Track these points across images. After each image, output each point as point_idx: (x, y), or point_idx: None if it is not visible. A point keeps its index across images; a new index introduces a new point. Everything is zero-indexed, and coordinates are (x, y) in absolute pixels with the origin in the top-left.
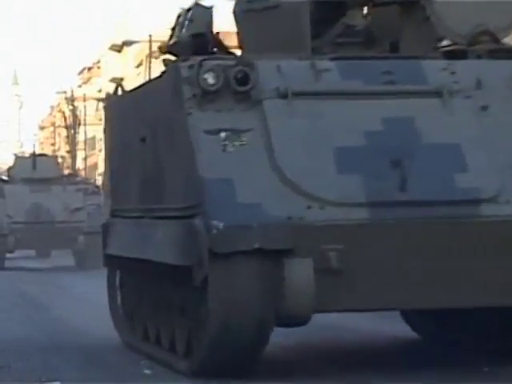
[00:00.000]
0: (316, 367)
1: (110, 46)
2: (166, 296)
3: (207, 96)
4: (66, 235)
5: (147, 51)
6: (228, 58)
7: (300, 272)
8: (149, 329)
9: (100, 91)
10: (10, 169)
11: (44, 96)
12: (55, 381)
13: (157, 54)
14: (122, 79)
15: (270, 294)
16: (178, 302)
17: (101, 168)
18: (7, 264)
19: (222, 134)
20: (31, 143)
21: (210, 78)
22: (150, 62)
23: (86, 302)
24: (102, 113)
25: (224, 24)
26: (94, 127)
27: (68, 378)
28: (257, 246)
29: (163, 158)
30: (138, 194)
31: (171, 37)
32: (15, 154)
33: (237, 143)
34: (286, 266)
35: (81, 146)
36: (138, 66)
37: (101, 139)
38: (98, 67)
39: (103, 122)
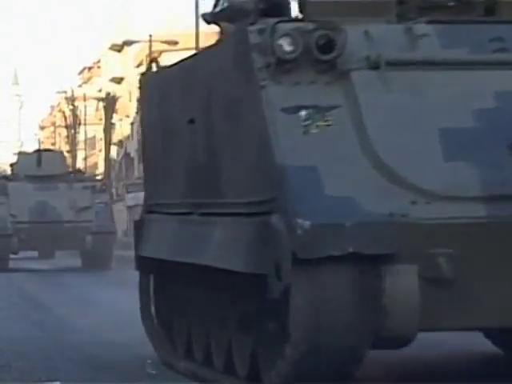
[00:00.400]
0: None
1: (110, 45)
2: (221, 307)
3: (283, 66)
4: (72, 235)
5: (147, 51)
6: (307, 22)
7: (403, 282)
8: (194, 345)
9: (100, 91)
10: (13, 165)
11: (44, 96)
12: (55, 381)
13: (157, 53)
14: (122, 79)
15: (366, 309)
16: (239, 315)
17: (101, 168)
18: (10, 265)
19: (303, 113)
20: (31, 143)
21: (286, 45)
22: (150, 62)
23: (88, 302)
24: (102, 113)
25: None
26: (94, 127)
27: (68, 377)
28: (351, 250)
29: (221, 142)
30: (184, 186)
31: (216, 5)
32: (19, 152)
33: (321, 123)
34: (387, 275)
35: (81, 145)
36: (138, 66)
37: (101, 139)
38: (98, 67)
39: (139, 101)
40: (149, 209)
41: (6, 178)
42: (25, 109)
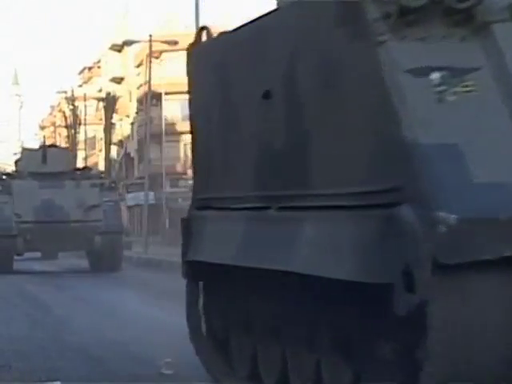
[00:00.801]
0: None
1: (110, 45)
2: (309, 324)
3: (407, 16)
4: (80, 236)
5: (147, 51)
6: None
7: None
8: (262, 368)
9: (100, 91)
10: (17, 162)
11: (44, 96)
12: (55, 380)
13: (157, 53)
14: (122, 79)
15: None
16: (335, 334)
17: (101, 168)
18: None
19: (435, 76)
20: (32, 143)
21: None
22: (151, 62)
23: (89, 303)
24: (102, 113)
25: None
26: (95, 127)
27: (69, 377)
28: (508, 253)
29: (312, 118)
30: (254, 176)
31: None
32: (23, 148)
33: (459, 89)
34: None
35: (81, 145)
36: (138, 66)
37: (101, 139)
38: (99, 67)
39: (188, 77)
40: (200, 204)
41: (9, 175)
42: (25, 109)
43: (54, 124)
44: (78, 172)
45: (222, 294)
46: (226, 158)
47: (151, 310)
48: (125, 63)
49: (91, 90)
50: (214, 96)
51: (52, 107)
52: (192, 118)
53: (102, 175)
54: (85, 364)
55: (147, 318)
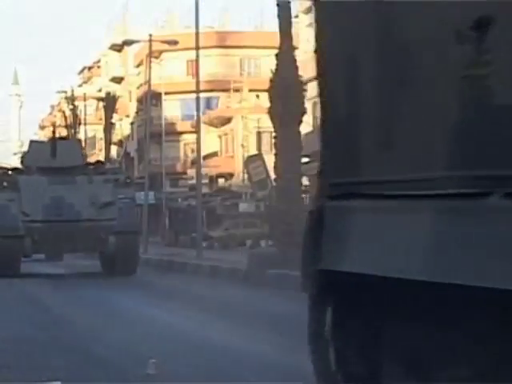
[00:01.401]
0: None
1: (110, 45)
2: None
3: None
4: (93, 236)
5: (147, 51)
6: None
7: None
8: None
9: (100, 91)
10: (24, 156)
11: (44, 95)
12: (56, 380)
13: (157, 53)
14: (122, 78)
15: None
16: None
17: None
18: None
19: None
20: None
21: None
22: (150, 62)
23: (90, 303)
24: (102, 112)
25: None
26: (94, 127)
27: (69, 377)
28: None
29: None
30: (456, 146)
31: None
32: (31, 141)
33: None
34: None
35: None
36: (138, 66)
37: (101, 138)
38: (98, 67)
39: (316, 25)
40: (339, 191)
41: (16, 170)
42: (25, 109)
43: (53, 124)
44: (91, 167)
45: (378, 322)
46: (390, 124)
47: (153, 310)
48: (125, 63)
49: (91, 89)
50: (366, 41)
51: (52, 107)
52: (324, 76)
53: (117, 170)
54: (85, 364)
55: (149, 318)
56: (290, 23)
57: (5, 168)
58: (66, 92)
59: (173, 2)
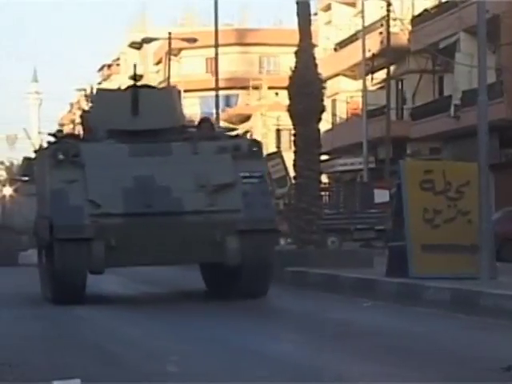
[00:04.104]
0: None
1: (129, 43)
2: None
3: None
4: (203, 238)
5: (166, 48)
6: None
7: None
8: None
9: (119, 88)
10: (84, 115)
11: (63, 93)
12: (75, 378)
13: (176, 51)
14: (141, 76)
15: None
16: None
17: None
18: None
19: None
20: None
21: None
22: (170, 60)
23: (101, 300)
24: None
25: None
26: None
27: (87, 375)
28: None
29: None
30: None
31: None
32: (97, 89)
33: None
34: None
35: None
36: (157, 64)
37: None
38: (118, 64)
39: None
40: None
41: (76, 137)
42: (44, 106)
43: (73, 121)
44: (193, 129)
45: None
46: None
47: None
48: (144, 61)
49: (110, 87)
50: None
51: (71, 105)
52: None
53: (234, 133)
54: (102, 361)
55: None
56: (309, 21)
57: (58, 135)
58: (85, 90)
59: (191, 0)
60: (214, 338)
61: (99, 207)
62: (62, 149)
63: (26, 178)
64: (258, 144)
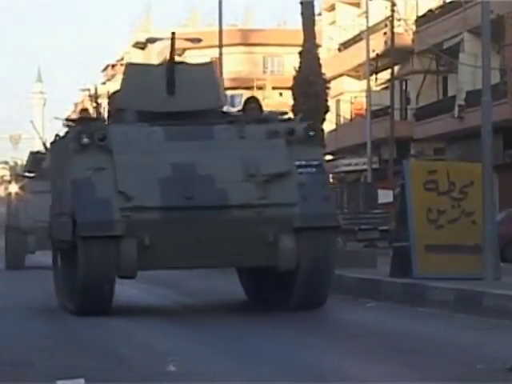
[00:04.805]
0: None
1: (133, 43)
2: None
3: None
4: (252, 237)
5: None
6: None
7: None
8: None
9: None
10: (112, 95)
11: (68, 93)
12: (79, 378)
13: (180, 51)
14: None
15: None
16: None
17: None
18: None
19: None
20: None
21: None
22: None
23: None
24: None
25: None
26: None
27: (92, 375)
28: None
29: None
30: None
31: None
32: (127, 64)
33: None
34: None
35: None
36: (161, 64)
37: None
38: (122, 64)
39: None
40: None
41: (99, 119)
42: (48, 106)
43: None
44: (239, 111)
45: None
46: None
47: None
48: (148, 61)
49: (114, 87)
50: None
51: (75, 104)
52: None
53: (286, 115)
54: (108, 361)
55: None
56: (313, 21)
57: (81, 116)
58: (89, 90)
59: (196, 0)
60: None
61: (131, 200)
62: (86, 131)
63: (33, 175)
64: (315, 128)
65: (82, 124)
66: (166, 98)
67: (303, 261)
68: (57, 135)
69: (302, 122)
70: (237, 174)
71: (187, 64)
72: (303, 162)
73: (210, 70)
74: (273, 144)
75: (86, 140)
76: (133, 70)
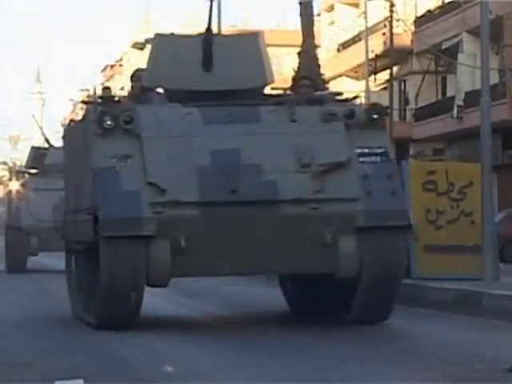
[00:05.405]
0: None
1: (132, 43)
2: None
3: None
4: (307, 235)
5: None
6: None
7: None
8: None
9: (122, 89)
10: (137, 73)
11: (66, 94)
12: (78, 378)
13: None
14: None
15: None
16: None
17: None
18: None
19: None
20: (54, 140)
21: None
22: None
23: None
24: None
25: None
26: None
27: (91, 375)
28: None
29: None
30: None
31: None
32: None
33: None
34: None
35: None
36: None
37: None
38: (121, 65)
39: None
40: None
41: (126, 99)
42: (47, 106)
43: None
44: (287, 91)
45: None
46: None
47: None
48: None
49: (113, 87)
50: None
51: (74, 105)
52: None
53: (341, 96)
54: (107, 361)
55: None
56: (311, 21)
57: (103, 94)
58: (88, 90)
59: (195, 0)
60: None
61: (163, 193)
62: (110, 112)
63: (35, 171)
64: (379, 110)
65: (104, 104)
66: (202, 75)
67: (367, 267)
68: (71, 120)
69: (362, 104)
70: (288, 163)
71: (228, 35)
72: (366, 150)
73: (255, 41)
74: (330, 128)
75: (109, 122)
76: (162, 43)
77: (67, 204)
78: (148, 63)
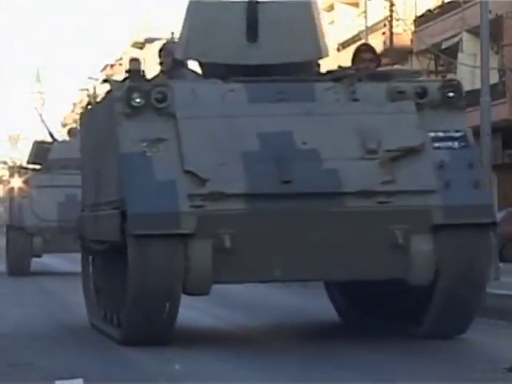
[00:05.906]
0: None
1: (132, 43)
2: None
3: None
4: (373, 233)
5: None
6: None
7: None
8: None
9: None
10: (167, 46)
11: (66, 93)
12: (78, 378)
13: None
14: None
15: None
16: None
17: None
18: None
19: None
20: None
21: None
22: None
23: None
24: None
25: None
26: None
27: (91, 375)
28: None
29: None
30: None
31: None
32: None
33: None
34: None
35: None
36: (160, 63)
37: None
38: (120, 64)
39: None
40: None
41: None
42: (47, 106)
43: (75, 121)
44: (346, 67)
45: None
46: None
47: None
48: (147, 60)
49: None
50: None
51: (74, 104)
52: None
53: (418, 76)
54: (107, 361)
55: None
56: None
57: (132, 68)
58: (88, 89)
59: None
60: None
61: (204, 184)
62: (139, 88)
63: (38, 167)
64: (455, 87)
65: (132, 79)
66: (247, 47)
67: (444, 272)
68: (89, 101)
69: (435, 80)
70: (351, 149)
71: (276, 0)
72: (441, 134)
73: (308, 9)
74: (398, 108)
75: (138, 100)
76: (199, 9)
77: (85, 197)
78: (182, 33)
